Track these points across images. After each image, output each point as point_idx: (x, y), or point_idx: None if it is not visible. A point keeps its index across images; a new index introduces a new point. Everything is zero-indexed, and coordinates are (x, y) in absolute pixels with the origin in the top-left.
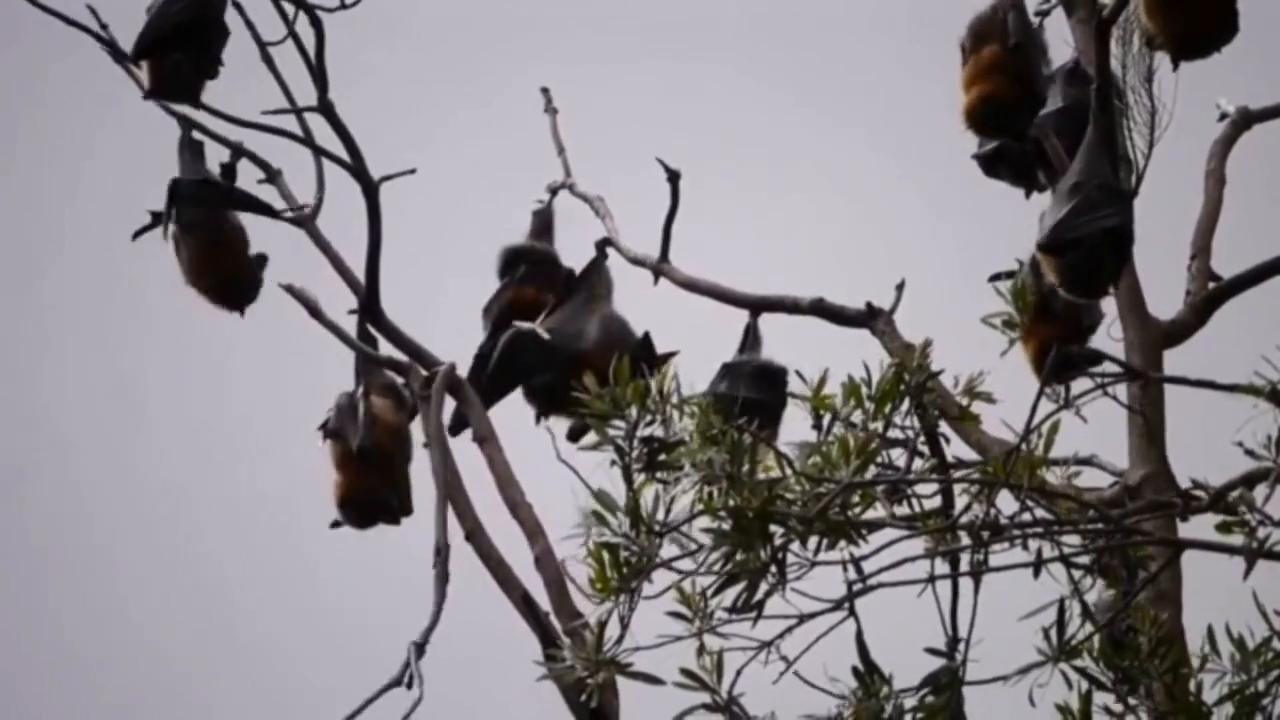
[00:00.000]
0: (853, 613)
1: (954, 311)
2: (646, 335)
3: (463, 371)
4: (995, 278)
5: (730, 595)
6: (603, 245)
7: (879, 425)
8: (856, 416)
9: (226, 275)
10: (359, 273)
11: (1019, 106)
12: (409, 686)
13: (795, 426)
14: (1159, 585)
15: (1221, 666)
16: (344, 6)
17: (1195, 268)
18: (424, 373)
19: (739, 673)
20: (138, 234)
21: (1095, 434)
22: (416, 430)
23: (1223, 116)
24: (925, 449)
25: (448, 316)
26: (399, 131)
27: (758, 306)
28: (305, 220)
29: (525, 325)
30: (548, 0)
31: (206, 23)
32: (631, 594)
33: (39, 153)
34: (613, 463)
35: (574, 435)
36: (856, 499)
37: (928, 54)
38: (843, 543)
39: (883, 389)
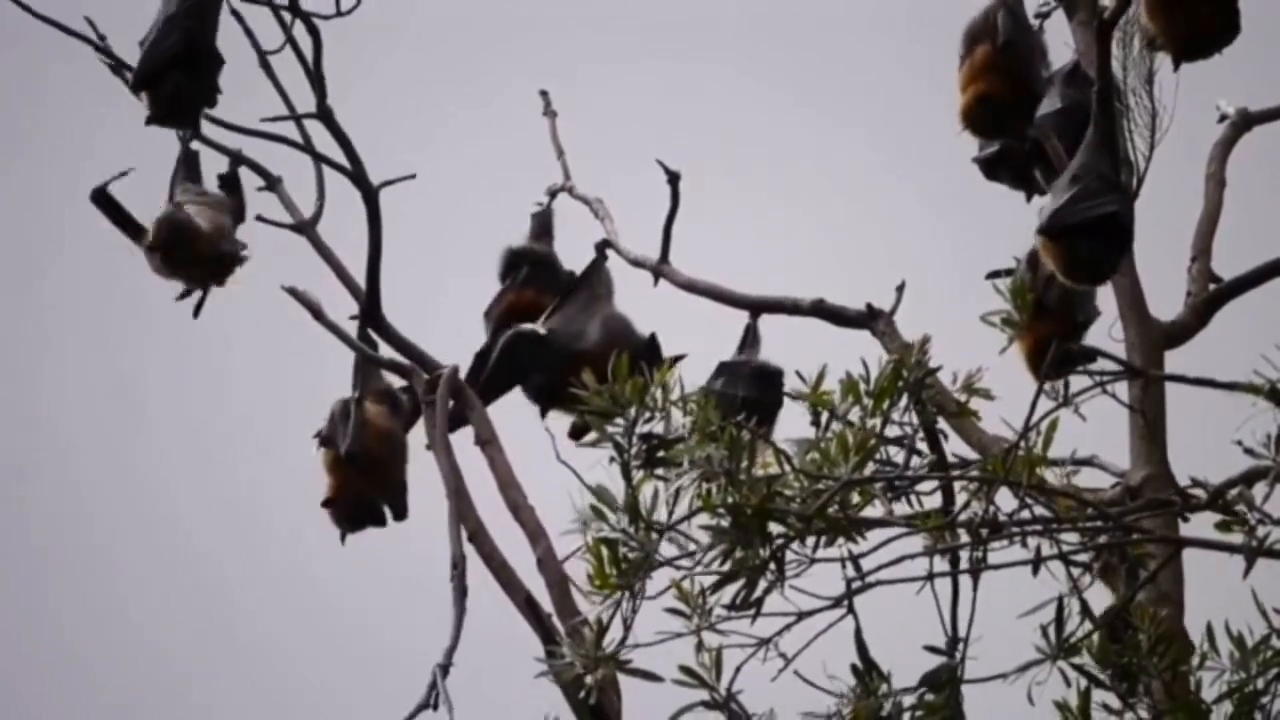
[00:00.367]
0: (851, 610)
1: (954, 312)
2: (653, 337)
3: (463, 374)
4: (993, 275)
5: (729, 592)
6: (603, 247)
7: (877, 422)
8: (855, 413)
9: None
10: (360, 278)
11: (1013, 104)
12: (435, 708)
13: (794, 424)
14: (1160, 585)
15: (1221, 664)
16: (340, 14)
17: (1196, 269)
18: (427, 377)
19: (738, 670)
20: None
21: (1097, 435)
22: (418, 435)
23: (1223, 118)
24: (925, 446)
25: (448, 319)
26: (398, 136)
27: (758, 307)
28: (306, 227)
29: (525, 325)
30: (548, 1)
31: (200, 53)
32: (633, 591)
33: (39, 153)
34: (611, 459)
35: (575, 433)
36: (855, 496)
37: (928, 54)
38: (841, 540)
39: (881, 386)
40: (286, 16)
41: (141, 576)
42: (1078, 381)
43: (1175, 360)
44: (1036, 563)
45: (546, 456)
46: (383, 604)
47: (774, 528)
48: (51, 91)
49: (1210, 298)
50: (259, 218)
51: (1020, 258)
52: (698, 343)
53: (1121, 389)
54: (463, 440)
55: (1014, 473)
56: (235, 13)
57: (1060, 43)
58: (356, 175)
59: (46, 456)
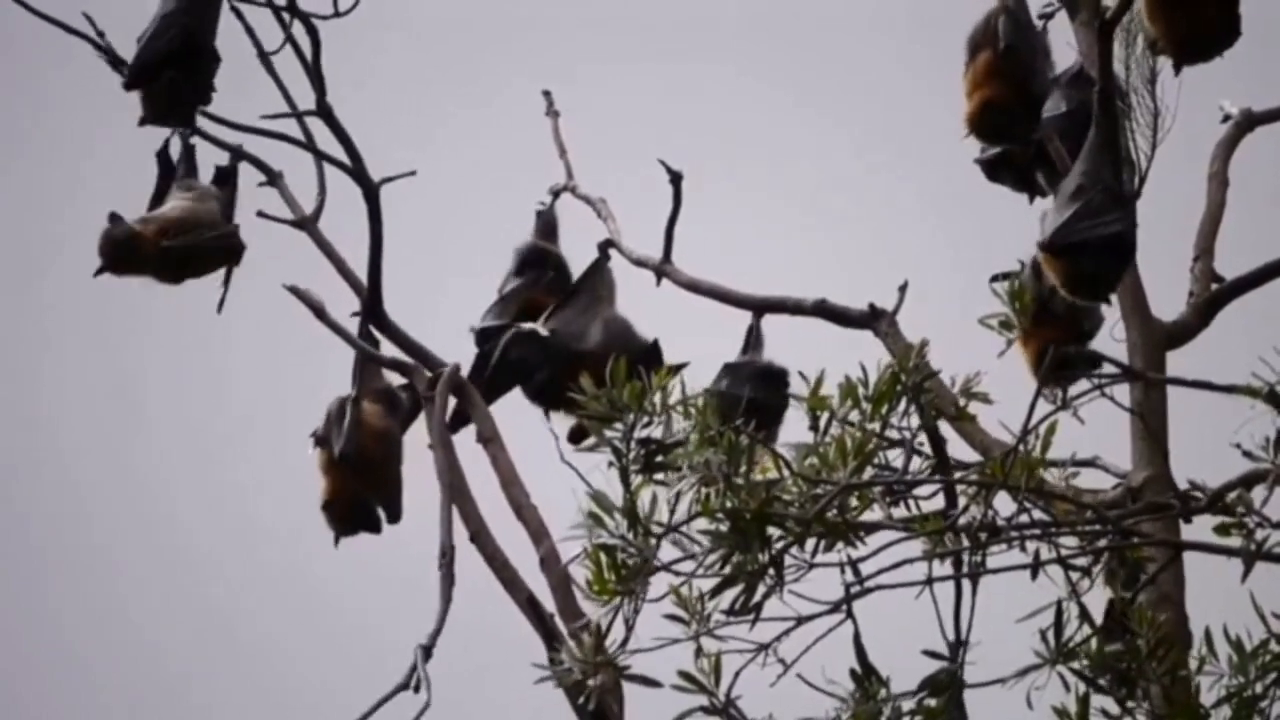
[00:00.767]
0: (850, 615)
1: (956, 312)
2: (656, 343)
3: (465, 371)
4: (996, 278)
5: (728, 597)
6: (605, 247)
7: (876, 426)
8: (854, 417)
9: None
10: (361, 275)
11: (1017, 109)
12: (416, 690)
13: (793, 428)
14: (1161, 588)
15: (1219, 669)
16: (338, 14)
17: (1198, 269)
18: (428, 374)
19: (737, 675)
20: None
21: (1099, 436)
22: (419, 432)
23: (1225, 118)
24: (924, 449)
25: (448, 316)
26: (399, 133)
27: (760, 308)
28: (307, 222)
29: (526, 325)
30: (548, 1)
31: (196, 50)
32: (634, 596)
33: (39, 153)
34: (610, 464)
35: (575, 437)
36: (854, 500)
37: (928, 54)
38: (840, 544)
39: (880, 389)
40: (286, 17)
41: (141, 576)
42: (1077, 384)
43: (1177, 360)
44: (1035, 567)
45: (550, 455)
46: (382, 604)
47: (773, 532)
48: (51, 91)
49: (1212, 297)
50: (260, 213)
51: (1025, 260)
52: (700, 343)
53: (1122, 391)
54: (466, 439)
55: (1012, 477)
56: (236, 10)
57: (1063, 43)
58: (357, 172)
59: (46, 456)
